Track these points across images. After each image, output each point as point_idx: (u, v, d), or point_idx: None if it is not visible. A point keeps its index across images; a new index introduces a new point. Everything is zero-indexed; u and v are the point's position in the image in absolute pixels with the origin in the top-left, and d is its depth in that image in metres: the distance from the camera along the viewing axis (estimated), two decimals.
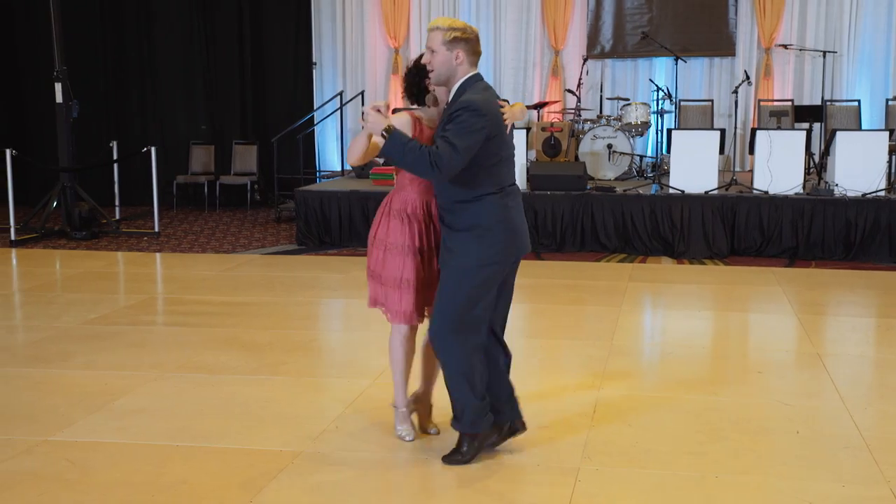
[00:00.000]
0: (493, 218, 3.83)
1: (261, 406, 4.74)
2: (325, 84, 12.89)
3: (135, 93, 12.43)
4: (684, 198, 9.03)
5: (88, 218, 10.21)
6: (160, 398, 4.80)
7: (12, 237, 9.86)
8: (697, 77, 11.92)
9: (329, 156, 12.91)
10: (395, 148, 3.70)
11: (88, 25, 12.46)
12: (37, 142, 12.31)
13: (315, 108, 12.58)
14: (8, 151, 10.06)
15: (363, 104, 12.33)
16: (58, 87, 10.20)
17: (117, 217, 11.23)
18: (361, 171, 10.74)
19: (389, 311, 4.15)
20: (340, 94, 12.48)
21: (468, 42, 3.83)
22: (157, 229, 10.25)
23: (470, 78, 3.85)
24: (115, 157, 11.25)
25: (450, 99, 3.87)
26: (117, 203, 11.39)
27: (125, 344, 5.83)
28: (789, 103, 11.08)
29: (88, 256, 9.19)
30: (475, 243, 3.82)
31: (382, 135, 3.70)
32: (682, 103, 11.22)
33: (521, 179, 9.50)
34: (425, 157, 3.66)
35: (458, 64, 3.83)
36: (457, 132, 3.67)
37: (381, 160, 4.25)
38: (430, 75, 3.87)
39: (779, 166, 9.01)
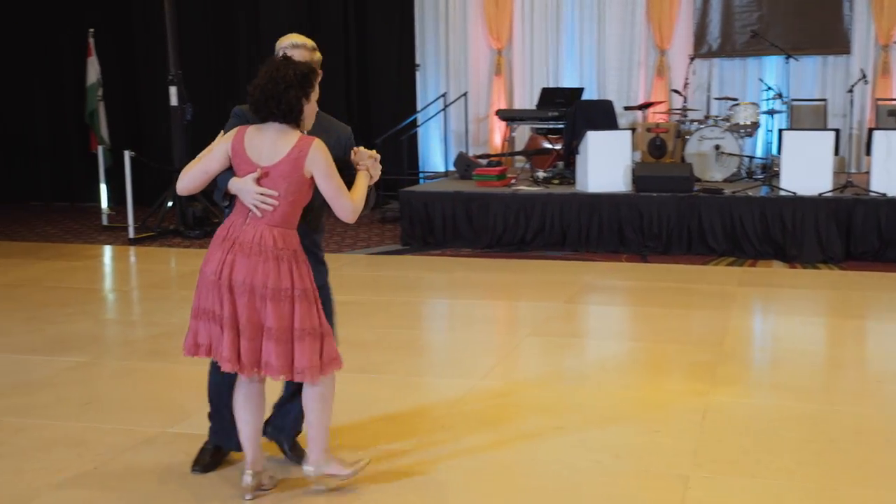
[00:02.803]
0: None
1: (366, 404, 4.79)
2: (428, 85, 12.96)
3: (243, 97, 12.62)
4: (796, 200, 8.78)
5: (201, 217, 10.49)
6: (270, 394, 4.89)
7: (131, 235, 10.21)
8: (810, 76, 11.57)
9: (432, 157, 12.98)
10: (371, 195, 3.70)
11: (200, 31, 12.79)
12: (153, 144, 12.69)
13: (418, 109, 12.66)
14: (126, 153, 10.41)
15: (466, 106, 12.37)
16: (172, 90, 10.50)
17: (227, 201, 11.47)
18: (465, 172, 10.77)
19: (333, 359, 3.57)
20: (443, 95, 12.53)
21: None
22: None
23: None
24: None
25: (312, 123, 3.64)
26: (225, 204, 11.63)
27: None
28: None
29: (201, 255, 9.42)
30: None
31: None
32: (794, 103, 10.89)
33: (625, 181, 9.39)
34: (372, 192, 3.73)
35: None
36: None
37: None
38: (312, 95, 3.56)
39: None
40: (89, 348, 5.91)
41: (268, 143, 3.46)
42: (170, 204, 10.70)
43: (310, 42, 3.73)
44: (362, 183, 3.61)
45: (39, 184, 13.70)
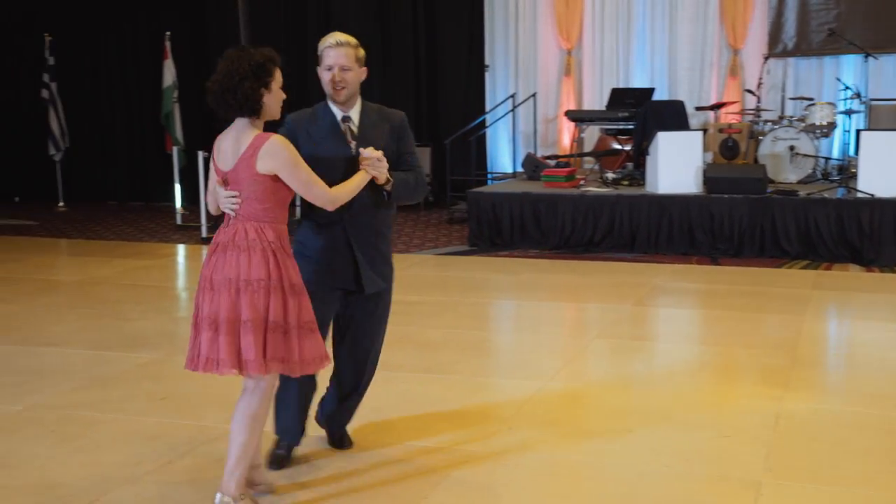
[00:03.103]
0: None
1: (434, 404, 4.80)
2: (497, 86, 12.95)
3: (314, 99, 12.79)
4: (874, 202, 8.57)
5: None
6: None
7: (203, 235, 10.39)
8: (890, 75, 11.26)
9: (501, 157, 12.96)
10: (405, 190, 3.79)
11: (272, 33, 12.96)
12: None
13: (487, 110, 12.66)
14: (200, 154, 10.60)
15: (535, 107, 12.33)
16: None
17: (297, 217, 11.63)
18: (533, 173, 10.74)
19: (303, 360, 3.44)
20: (512, 96, 12.51)
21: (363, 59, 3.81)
22: None
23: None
24: None
25: (359, 118, 3.78)
26: (297, 203, 11.78)
27: None
28: None
29: None
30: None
31: (388, 181, 3.68)
32: (873, 103, 10.63)
33: (696, 182, 9.27)
34: (423, 185, 3.87)
35: (361, 81, 3.82)
36: (414, 148, 3.92)
37: None
38: (342, 93, 3.71)
39: None
40: (162, 345, 6.03)
41: (231, 144, 3.46)
42: None
43: (353, 39, 3.77)
44: (357, 179, 3.61)
45: (116, 183, 14.03)
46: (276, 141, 3.43)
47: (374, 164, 3.61)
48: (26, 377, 5.33)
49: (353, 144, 3.73)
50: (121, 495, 3.74)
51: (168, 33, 12.31)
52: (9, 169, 14.20)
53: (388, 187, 3.69)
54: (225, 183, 3.46)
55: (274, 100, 3.50)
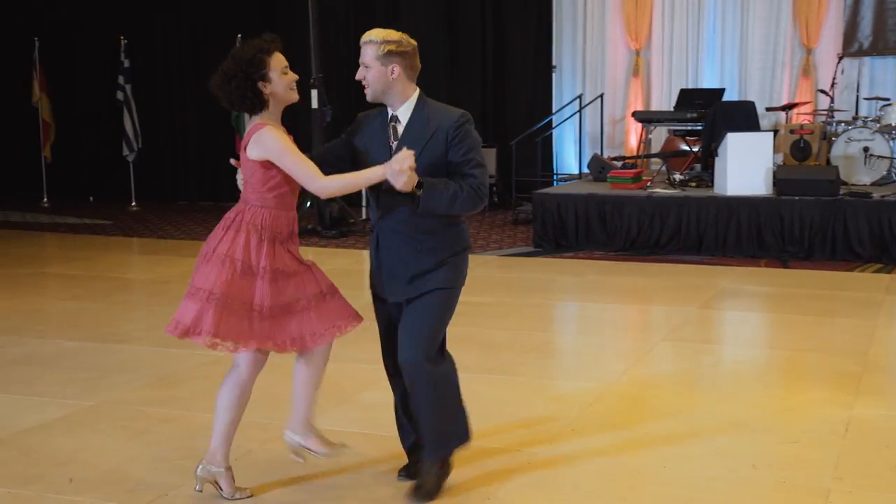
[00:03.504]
0: (468, 241, 3.79)
1: (497, 405, 4.81)
2: (564, 87, 12.90)
3: None
4: None
5: (338, 217, 10.74)
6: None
7: None
8: None
9: (566, 159, 12.92)
10: (437, 200, 3.48)
11: (341, 35, 13.11)
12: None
13: (554, 111, 12.62)
14: None
15: (602, 108, 12.25)
16: (314, 93, 10.76)
17: (364, 217, 11.73)
18: (599, 174, 10.68)
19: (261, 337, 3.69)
20: (579, 97, 12.46)
21: (404, 55, 3.55)
22: None
23: (422, 95, 3.64)
24: None
25: (406, 118, 3.59)
26: (364, 204, 11.89)
27: (371, 339, 6.06)
28: None
29: (337, 254, 9.66)
30: (460, 267, 3.69)
31: (415, 190, 3.42)
32: None
33: (766, 184, 9.13)
34: (473, 197, 3.53)
35: (394, 78, 3.55)
36: (478, 150, 3.60)
37: None
38: (366, 91, 3.60)
39: None
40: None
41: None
42: (308, 204, 10.98)
43: (378, 36, 3.57)
44: (365, 174, 3.51)
45: (186, 184, 14.29)
46: (264, 130, 3.54)
47: (392, 171, 3.38)
48: (100, 373, 5.46)
49: (393, 146, 3.58)
50: (187, 491, 3.81)
51: (238, 35, 12.49)
52: (84, 170, 14.56)
53: (418, 194, 3.46)
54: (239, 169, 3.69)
55: (280, 87, 3.61)
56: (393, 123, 3.63)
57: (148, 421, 4.65)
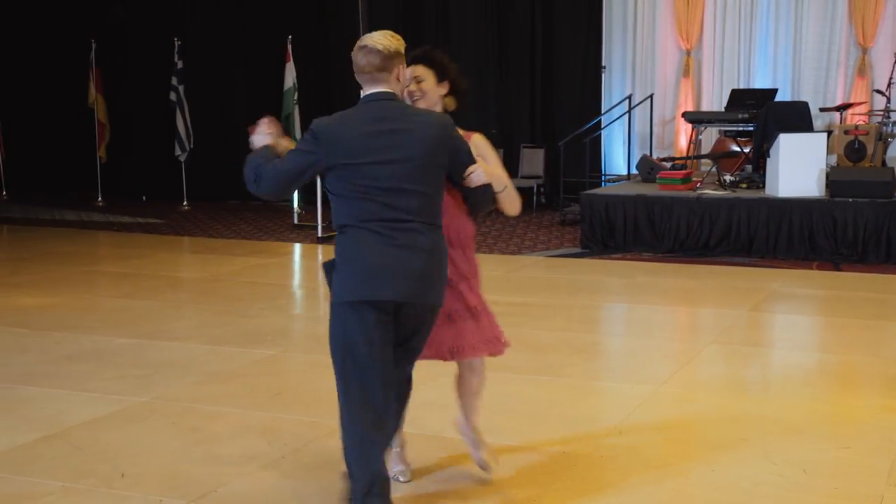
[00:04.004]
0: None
1: (544, 406, 4.80)
2: (613, 87, 12.83)
3: None
4: None
5: None
6: (446, 392, 4.97)
7: (319, 234, 10.62)
8: None
9: (615, 160, 12.84)
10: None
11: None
12: None
13: (603, 111, 12.55)
14: None
15: (652, 108, 12.16)
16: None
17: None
18: (648, 175, 10.61)
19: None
20: (629, 97, 12.38)
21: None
22: None
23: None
24: None
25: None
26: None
27: None
28: None
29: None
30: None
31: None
32: None
33: (819, 185, 9.00)
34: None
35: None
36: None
37: None
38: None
39: None
40: (278, 341, 6.19)
41: None
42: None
43: (379, 44, 3.33)
44: None
45: (238, 183, 14.32)
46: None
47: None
48: (151, 370, 5.54)
49: None
50: (235, 488, 3.86)
51: (290, 37, 12.60)
52: (137, 169, 14.78)
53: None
54: None
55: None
56: None
57: (198, 418, 4.71)
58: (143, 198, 14.70)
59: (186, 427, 4.57)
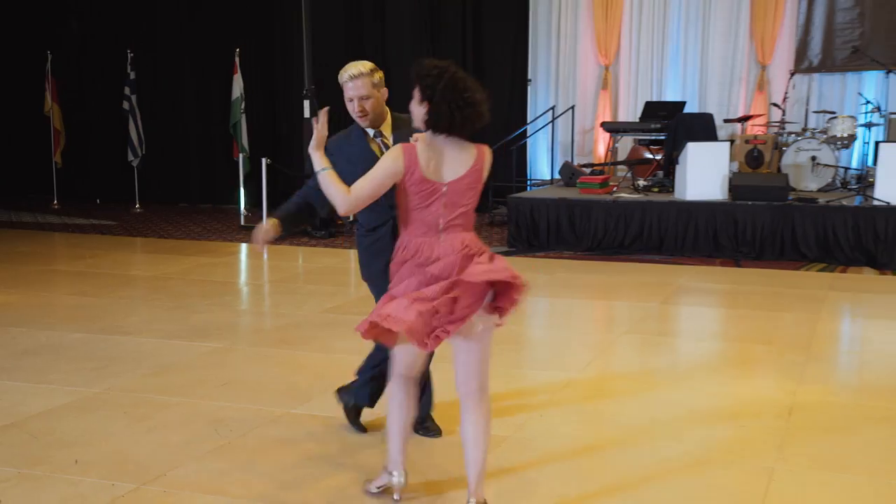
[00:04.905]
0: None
1: None
2: (538, 99, 12.95)
3: None
4: (890, 210, 8.45)
5: (327, 219, 10.73)
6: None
7: None
8: None
9: (540, 165, 12.96)
10: None
11: (334, 51, 13.09)
12: (287, 152, 13.05)
13: (528, 121, 12.66)
14: (263, 160, 10.75)
15: (573, 119, 12.30)
16: (306, 103, 10.78)
17: (351, 219, 11.74)
18: (569, 180, 10.72)
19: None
20: (552, 108, 12.51)
21: (383, 79, 3.72)
22: None
23: (392, 112, 3.75)
24: None
25: (390, 131, 3.73)
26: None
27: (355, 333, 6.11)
28: None
29: (326, 253, 9.68)
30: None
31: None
32: (892, 116, 10.46)
33: (722, 190, 9.20)
34: None
35: (384, 102, 3.73)
36: None
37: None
38: (366, 119, 3.63)
39: None
40: (226, 335, 6.14)
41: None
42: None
43: (367, 67, 3.65)
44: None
45: (187, 187, 14.26)
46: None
47: None
48: (105, 363, 5.46)
49: None
50: (183, 471, 3.83)
51: (238, 50, 12.50)
52: (92, 174, 14.51)
53: None
54: None
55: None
56: (379, 140, 3.69)
57: (149, 407, 4.66)
58: (98, 201, 14.43)
59: (137, 416, 4.53)
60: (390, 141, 3.71)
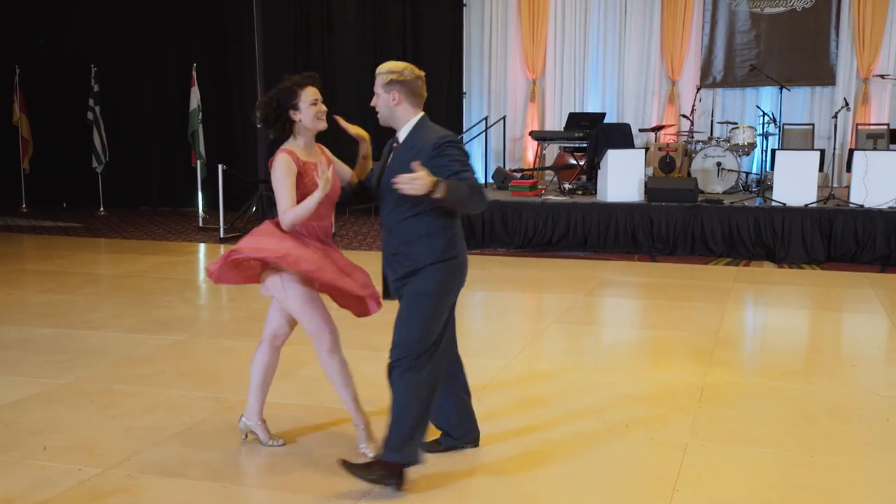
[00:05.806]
0: (450, 253, 3.42)
1: None
2: (472, 110, 12.95)
3: None
4: (786, 210, 8.64)
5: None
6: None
7: (221, 235, 10.36)
8: (800, 104, 11.38)
9: (474, 171, 12.94)
10: (458, 195, 3.21)
11: (284, 67, 12.93)
12: (242, 159, 12.85)
13: (464, 130, 12.66)
14: (220, 166, 10.56)
15: (505, 128, 12.33)
16: (259, 114, 10.61)
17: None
18: (502, 184, 10.74)
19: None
20: (485, 118, 12.52)
21: (404, 84, 3.38)
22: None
23: (422, 119, 3.41)
24: None
25: (402, 139, 3.41)
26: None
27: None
28: (885, 127, 10.41)
29: None
30: (436, 276, 3.37)
31: (432, 191, 3.13)
32: (786, 127, 10.72)
33: (639, 192, 9.31)
34: (477, 192, 3.28)
35: (395, 105, 3.39)
36: (463, 162, 3.32)
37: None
38: (380, 116, 3.46)
39: (874, 183, 8.52)
40: (186, 329, 6.01)
41: None
42: (254, 209, 10.83)
43: (384, 68, 3.46)
44: (311, 198, 3.41)
45: (149, 191, 13.95)
46: (278, 157, 3.50)
47: (402, 185, 3.13)
48: (72, 355, 5.31)
49: (388, 164, 3.44)
50: (148, 455, 3.74)
51: (195, 64, 12.26)
52: (58, 179, 14.12)
53: (437, 195, 3.17)
54: None
55: (307, 116, 3.53)
56: (394, 145, 3.48)
57: (114, 396, 4.53)
58: (64, 205, 14.04)
59: (103, 404, 4.40)
60: (400, 144, 3.45)
